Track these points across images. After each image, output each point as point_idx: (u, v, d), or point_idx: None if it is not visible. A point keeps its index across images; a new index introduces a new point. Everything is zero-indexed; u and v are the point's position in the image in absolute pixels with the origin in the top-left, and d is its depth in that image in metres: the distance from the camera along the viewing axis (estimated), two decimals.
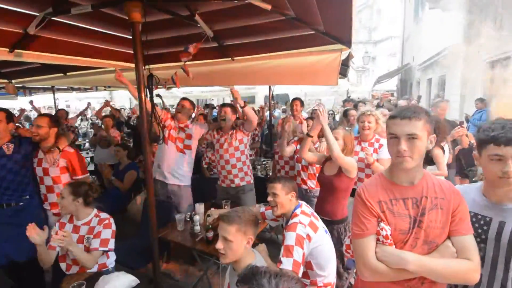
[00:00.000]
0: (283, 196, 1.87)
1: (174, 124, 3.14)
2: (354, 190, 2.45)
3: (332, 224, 2.27)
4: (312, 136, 2.45)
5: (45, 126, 2.42)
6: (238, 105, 3.00)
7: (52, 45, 2.61)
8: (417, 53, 11.84)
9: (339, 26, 2.30)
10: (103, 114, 5.35)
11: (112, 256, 2.10)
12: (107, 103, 5.68)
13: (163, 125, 3.06)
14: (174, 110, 3.35)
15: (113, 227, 2.04)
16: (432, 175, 1.30)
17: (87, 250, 1.95)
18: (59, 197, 2.01)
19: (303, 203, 1.95)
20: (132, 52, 1.96)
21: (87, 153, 6.21)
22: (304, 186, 3.00)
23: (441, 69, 8.70)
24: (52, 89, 5.82)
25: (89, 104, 6.22)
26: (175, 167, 3.06)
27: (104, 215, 2.09)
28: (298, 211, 1.87)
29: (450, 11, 7.17)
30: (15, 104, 10.72)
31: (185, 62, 2.61)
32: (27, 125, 8.30)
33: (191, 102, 3.24)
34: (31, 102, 6.08)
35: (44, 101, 6.66)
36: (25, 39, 2.41)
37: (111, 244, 1.99)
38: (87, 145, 7.29)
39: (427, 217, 1.21)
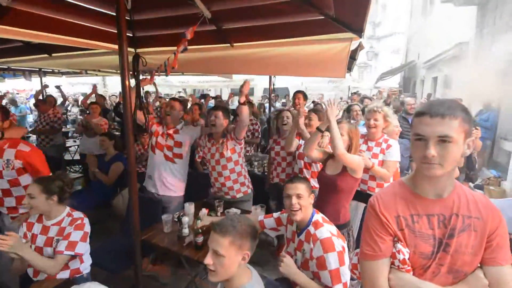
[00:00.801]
0: (307, 198, 1.64)
1: (162, 130, 2.83)
2: (357, 192, 2.23)
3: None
4: (323, 132, 2.20)
5: None
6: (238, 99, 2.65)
7: (29, 20, 2.31)
8: (423, 50, 11.56)
9: (352, 11, 2.04)
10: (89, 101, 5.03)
11: (87, 261, 1.87)
12: (94, 90, 5.37)
13: (150, 132, 2.79)
14: (168, 99, 3.01)
15: (87, 228, 1.79)
16: (465, 187, 1.06)
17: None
18: (25, 198, 1.73)
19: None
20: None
21: (74, 141, 5.92)
22: None
23: (448, 67, 8.44)
24: (39, 72, 5.49)
25: (95, 86, 5.80)
26: (165, 177, 2.77)
27: (77, 214, 1.84)
28: (319, 218, 1.64)
29: (463, 6, 6.86)
30: (2, 86, 10.34)
31: (183, 50, 2.32)
32: (12, 108, 7.95)
33: (181, 103, 2.91)
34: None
35: (31, 85, 6.32)
36: None
37: (80, 248, 1.74)
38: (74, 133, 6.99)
39: (456, 240, 0.98)
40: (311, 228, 1.61)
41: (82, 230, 1.76)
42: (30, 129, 5.21)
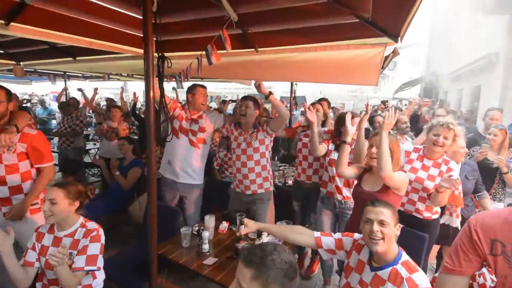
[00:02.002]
0: (393, 228, 1.36)
1: (186, 114, 2.77)
2: (400, 212, 2.00)
3: None
4: (349, 144, 2.03)
5: (3, 101, 1.94)
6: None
7: (53, 21, 2.30)
8: (446, 61, 11.18)
9: (391, 14, 1.90)
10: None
11: (100, 276, 1.72)
12: (95, 92, 5.43)
13: (172, 115, 2.70)
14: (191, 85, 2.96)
15: (103, 239, 1.66)
16: None
17: (70, 268, 1.56)
18: (44, 204, 1.58)
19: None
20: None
21: (94, 144, 5.96)
22: (338, 196, 2.49)
23: (476, 78, 8.08)
24: (64, 76, 5.59)
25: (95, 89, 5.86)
26: (187, 162, 2.70)
27: (91, 225, 1.69)
28: (408, 259, 1.36)
29: (496, 15, 6.56)
30: (29, 89, 10.69)
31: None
32: (39, 110, 8.09)
33: (205, 89, 2.89)
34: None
35: (56, 88, 6.47)
36: (24, 11, 2.12)
37: (100, 262, 1.60)
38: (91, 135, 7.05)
39: None
40: (401, 269, 1.32)
41: (99, 242, 1.62)
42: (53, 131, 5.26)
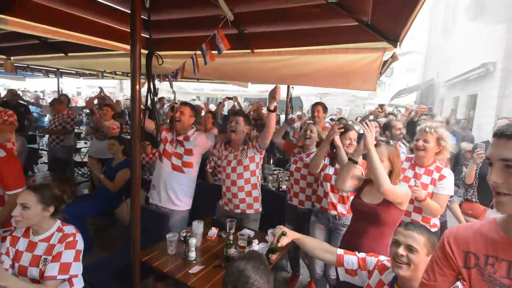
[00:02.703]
0: (424, 256, 1.23)
1: (171, 136, 2.61)
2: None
3: None
4: (356, 162, 1.90)
5: None
6: (265, 107, 2.43)
7: (43, 15, 2.21)
8: (443, 69, 11.25)
9: (391, 18, 1.84)
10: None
11: (79, 284, 1.61)
12: (101, 92, 5.29)
13: (160, 139, 2.57)
14: (179, 104, 2.78)
15: (79, 246, 1.55)
16: None
17: (43, 275, 1.47)
18: (15, 209, 1.48)
19: None
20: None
21: (85, 143, 5.83)
22: (332, 212, 2.40)
23: (472, 87, 8.11)
24: (56, 72, 5.48)
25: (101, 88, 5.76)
26: (170, 188, 2.53)
27: (68, 229, 1.58)
28: None
29: (493, 24, 6.59)
30: (22, 85, 10.50)
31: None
32: (33, 107, 7.91)
33: (193, 108, 2.64)
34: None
35: (50, 86, 6.34)
36: (12, 4, 2.04)
37: (75, 270, 1.50)
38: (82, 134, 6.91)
39: None
40: None
41: (74, 248, 1.52)
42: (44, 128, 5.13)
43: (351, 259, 1.49)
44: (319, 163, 2.41)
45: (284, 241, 1.52)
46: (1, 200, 1.98)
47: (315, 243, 1.61)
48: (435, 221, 2.20)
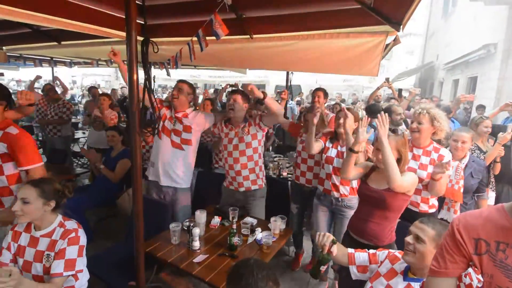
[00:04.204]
0: (432, 248, 1.27)
1: (170, 113, 2.58)
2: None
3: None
4: (357, 152, 1.88)
5: None
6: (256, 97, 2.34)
7: (33, 2, 2.12)
8: (443, 52, 11.10)
9: (394, 1, 1.78)
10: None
11: (84, 277, 1.62)
12: (37, 77, 5.26)
13: (158, 116, 2.51)
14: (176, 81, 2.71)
15: (82, 241, 1.55)
16: None
17: (47, 271, 1.47)
18: (16, 203, 1.46)
19: None
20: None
21: (84, 133, 5.77)
22: (335, 193, 2.41)
23: (472, 69, 8.02)
24: (50, 61, 5.36)
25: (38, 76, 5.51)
26: (170, 166, 2.52)
27: (70, 224, 1.57)
28: None
29: (494, 5, 6.44)
30: (16, 74, 10.32)
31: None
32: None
33: (190, 85, 2.62)
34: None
35: (44, 75, 6.20)
36: None
37: (80, 265, 1.50)
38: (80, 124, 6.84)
39: None
40: None
41: (77, 244, 1.51)
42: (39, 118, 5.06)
43: (362, 255, 1.52)
44: (310, 143, 2.40)
45: (334, 249, 1.47)
46: (17, 178, 1.93)
47: (344, 250, 1.59)
48: (434, 201, 2.22)
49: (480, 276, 0.92)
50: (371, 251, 1.54)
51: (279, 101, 3.30)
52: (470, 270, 0.92)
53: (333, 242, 1.46)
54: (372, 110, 3.82)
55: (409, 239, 1.33)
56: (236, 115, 2.50)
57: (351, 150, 1.90)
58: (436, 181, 1.99)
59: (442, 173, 1.91)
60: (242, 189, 2.56)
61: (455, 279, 0.97)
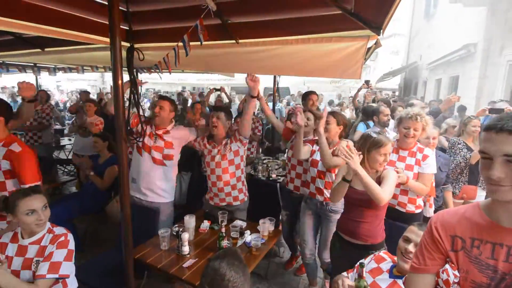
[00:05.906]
0: None
1: (150, 130, 2.53)
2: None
3: (370, 249, 1.80)
4: (349, 181, 1.85)
5: None
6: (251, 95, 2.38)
7: (15, 9, 2.09)
8: (426, 52, 11.38)
9: (374, 6, 1.84)
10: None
11: (73, 284, 1.61)
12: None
13: (136, 131, 2.43)
14: (157, 98, 2.66)
15: (71, 245, 1.55)
16: None
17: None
18: (35, 212, 1.49)
19: None
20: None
21: (69, 139, 5.67)
22: (319, 197, 2.42)
23: (454, 69, 8.25)
24: (33, 68, 5.25)
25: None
26: (152, 181, 2.49)
27: (59, 230, 1.58)
28: None
29: (473, 7, 6.67)
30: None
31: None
32: (11, 104, 7.66)
33: (172, 102, 2.57)
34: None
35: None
36: None
37: (64, 269, 1.49)
38: (65, 131, 6.71)
39: None
40: None
41: (66, 248, 1.52)
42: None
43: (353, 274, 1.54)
44: (298, 148, 2.39)
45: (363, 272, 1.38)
46: None
47: None
48: (420, 201, 2.29)
49: (456, 272, 0.95)
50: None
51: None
52: (447, 266, 0.95)
53: (361, 266, 1.33)
54: (367, 111, 3.96)
55: (410, 247, 1.33)
56: (219, 132, 2.50)
57: (344, 179, 1.86)
58: (404, 184, 2.12)
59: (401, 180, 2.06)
60: (223, 204, 2.57)
61: (434, 275, 1.01)
